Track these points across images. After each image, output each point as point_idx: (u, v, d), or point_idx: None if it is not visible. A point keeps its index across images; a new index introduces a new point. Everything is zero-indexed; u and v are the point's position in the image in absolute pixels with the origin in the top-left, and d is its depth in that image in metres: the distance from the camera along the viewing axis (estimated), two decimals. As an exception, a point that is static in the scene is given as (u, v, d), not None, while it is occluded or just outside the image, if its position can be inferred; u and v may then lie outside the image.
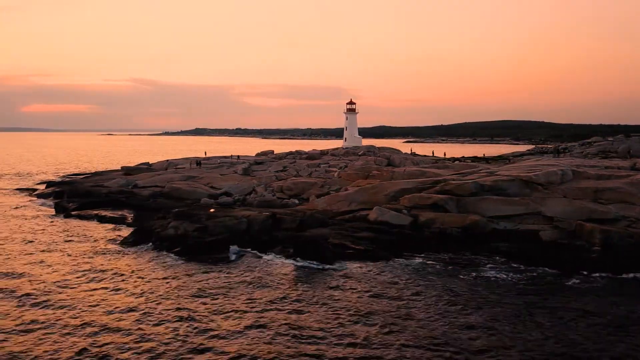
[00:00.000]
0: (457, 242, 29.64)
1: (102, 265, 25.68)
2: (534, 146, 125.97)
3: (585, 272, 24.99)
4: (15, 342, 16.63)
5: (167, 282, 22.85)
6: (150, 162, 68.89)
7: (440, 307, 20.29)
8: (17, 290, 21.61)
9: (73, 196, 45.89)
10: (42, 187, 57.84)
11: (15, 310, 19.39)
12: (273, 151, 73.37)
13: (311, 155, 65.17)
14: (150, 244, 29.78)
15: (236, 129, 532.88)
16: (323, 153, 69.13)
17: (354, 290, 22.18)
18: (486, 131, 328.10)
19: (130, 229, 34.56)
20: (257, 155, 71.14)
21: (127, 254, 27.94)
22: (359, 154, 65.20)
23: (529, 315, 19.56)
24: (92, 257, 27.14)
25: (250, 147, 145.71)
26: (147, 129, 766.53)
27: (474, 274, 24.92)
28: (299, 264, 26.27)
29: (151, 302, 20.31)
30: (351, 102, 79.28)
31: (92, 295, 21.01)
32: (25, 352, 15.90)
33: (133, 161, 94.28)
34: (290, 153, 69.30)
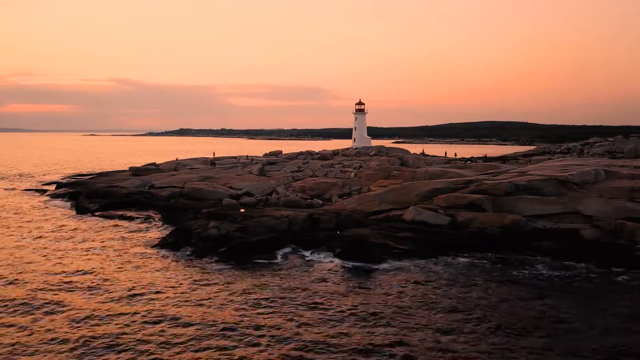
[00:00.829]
0: (497, 241, 29.76)
1: (153, 268, 25.28)
2: (534, 147, 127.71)
3: (633, 270, 25.41)
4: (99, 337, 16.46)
5: (227, 287, 22.30)
6: (157, 163, 68.30)
7: (509, 302, 20.57)
8: (80, 293, 21.31)
9: (90, 197, 45.26)
10: (52, 187, 57.12)
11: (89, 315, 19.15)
12: (282, 151, 73.30)
13: (323, 156, 65.21)
14: (191, 244, 29.43)
15: (221, 129, 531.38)
16: (334, 153, 69.27)
17: (418, 289, 22.20)
18: (471, 132, 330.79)
19: (161, 229, 34.38)
20: (266, 155, 70.98)
21: (172, 256, 27.60)
22: (371, 154, 65.41)
23: (591, 310, 19.90)
24: (136, 260, 26.70)
25: (240, 148, 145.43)
26: (131, 129, 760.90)
27: (526, 271, 25.17)
28: (349, 264, 26.19)
29: (222, 309, 19.65)
30: (360, 103, 79.37)
31: (157, 304, 20.39)
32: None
33: (134, 162, 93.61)
34: (301, 153, 69.32)
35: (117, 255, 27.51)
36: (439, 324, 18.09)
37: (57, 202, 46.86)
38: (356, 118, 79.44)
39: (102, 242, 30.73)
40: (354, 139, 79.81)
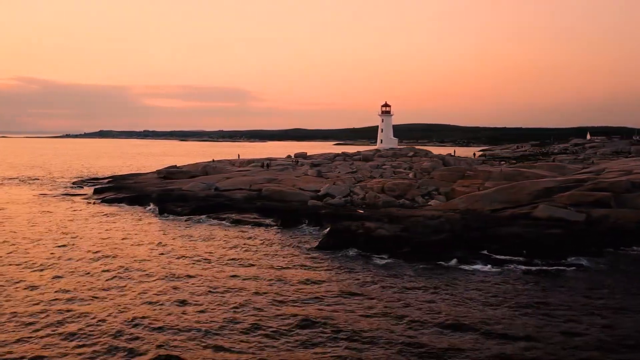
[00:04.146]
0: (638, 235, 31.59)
1: (340, 274, 24.41)
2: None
3: None
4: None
5: (443, 291, 21.94)
6: (177, 165, 65.89)
7: None
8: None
9: (164, 201, 43.23)
10: (83, 190, 53.93)
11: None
12: (306, 153, 72.90)
13: (365, 157, 65.61)
14: (357, 245, 28.94)
15: (144, 131, 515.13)
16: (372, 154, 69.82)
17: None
18: (400, 134, 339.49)
19: (293, 231, 33.75)
20: (288, 157, 70.29)
21: (350, 259, 27.03)
22: (409, 155, 66.45)
23: None
24: (314, 265, 25.85)
25: (194, 150, 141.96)
26: (45, 131, 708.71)
27: None
28: (540, 263, 26.55)
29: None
30: (386, 105, 79.93)
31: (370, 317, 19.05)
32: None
33: (114, 164, 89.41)
34: (338, 155, 69.38)
35: (290, 262, 26.34)
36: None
37: (120, 207, 44.15)
38: (382, 120, 79.95)
39: (256, 249, 29.16)
40: (380, 140, 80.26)
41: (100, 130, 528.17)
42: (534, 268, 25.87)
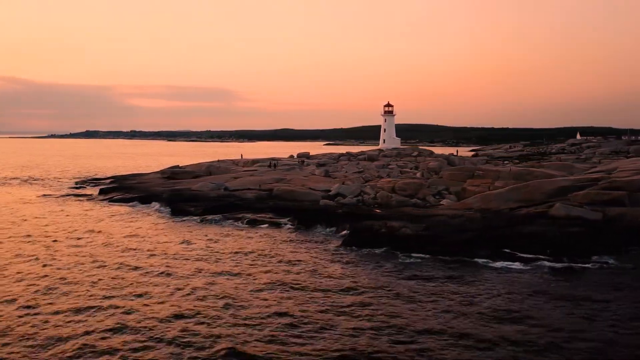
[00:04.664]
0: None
1: (373, 270, 24.65)
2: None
3: None
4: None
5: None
6: (180, 165, 65.60)
7: None
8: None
9: (175, 201, 43.02)
10: (87, 191, 53.49)
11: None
12: (309, 153, 72.93)
13: (371, 157, 65.73)
14: (382, 244, 29.05)
15: (131, 131, 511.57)
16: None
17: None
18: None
19: (313, 231, 33.76)
20: (291, 157, 70.22)
21: (378, 256, 27.11)
22: (414, 155, 66.69)
23: None
24: (344, 262, 25.99)
25: (186, 150, 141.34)
26: (29, 131, 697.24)
27: None
28: (566, 261, 26.79)
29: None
30: (389, 105, 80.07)
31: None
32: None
33: (109, 165, 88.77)
34: (342, 155, 69.52)
35: (321, 259, 26.42)
36: None
37: (131, 207, 43.86)
38: (385, 120, 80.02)
39: (281, 247, 29.27)
40: (383, 140, 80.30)
41: (87, 131, 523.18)
42: (560, 265, 26.13)
